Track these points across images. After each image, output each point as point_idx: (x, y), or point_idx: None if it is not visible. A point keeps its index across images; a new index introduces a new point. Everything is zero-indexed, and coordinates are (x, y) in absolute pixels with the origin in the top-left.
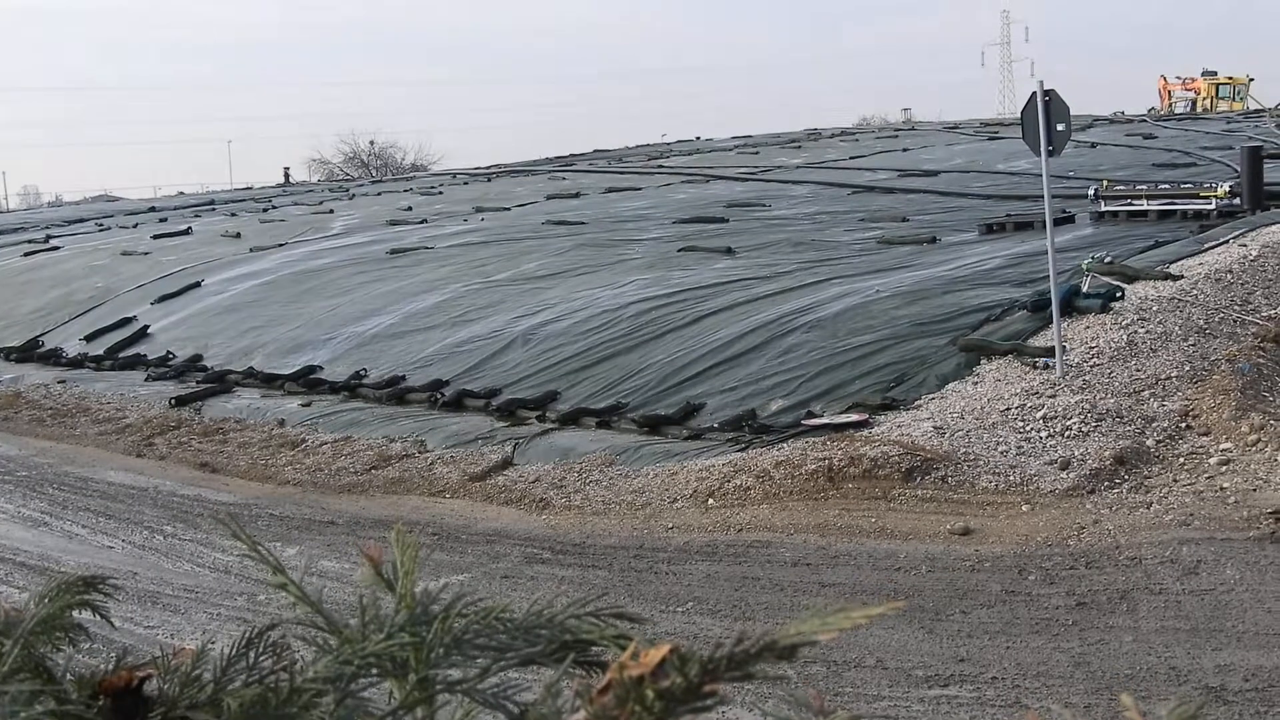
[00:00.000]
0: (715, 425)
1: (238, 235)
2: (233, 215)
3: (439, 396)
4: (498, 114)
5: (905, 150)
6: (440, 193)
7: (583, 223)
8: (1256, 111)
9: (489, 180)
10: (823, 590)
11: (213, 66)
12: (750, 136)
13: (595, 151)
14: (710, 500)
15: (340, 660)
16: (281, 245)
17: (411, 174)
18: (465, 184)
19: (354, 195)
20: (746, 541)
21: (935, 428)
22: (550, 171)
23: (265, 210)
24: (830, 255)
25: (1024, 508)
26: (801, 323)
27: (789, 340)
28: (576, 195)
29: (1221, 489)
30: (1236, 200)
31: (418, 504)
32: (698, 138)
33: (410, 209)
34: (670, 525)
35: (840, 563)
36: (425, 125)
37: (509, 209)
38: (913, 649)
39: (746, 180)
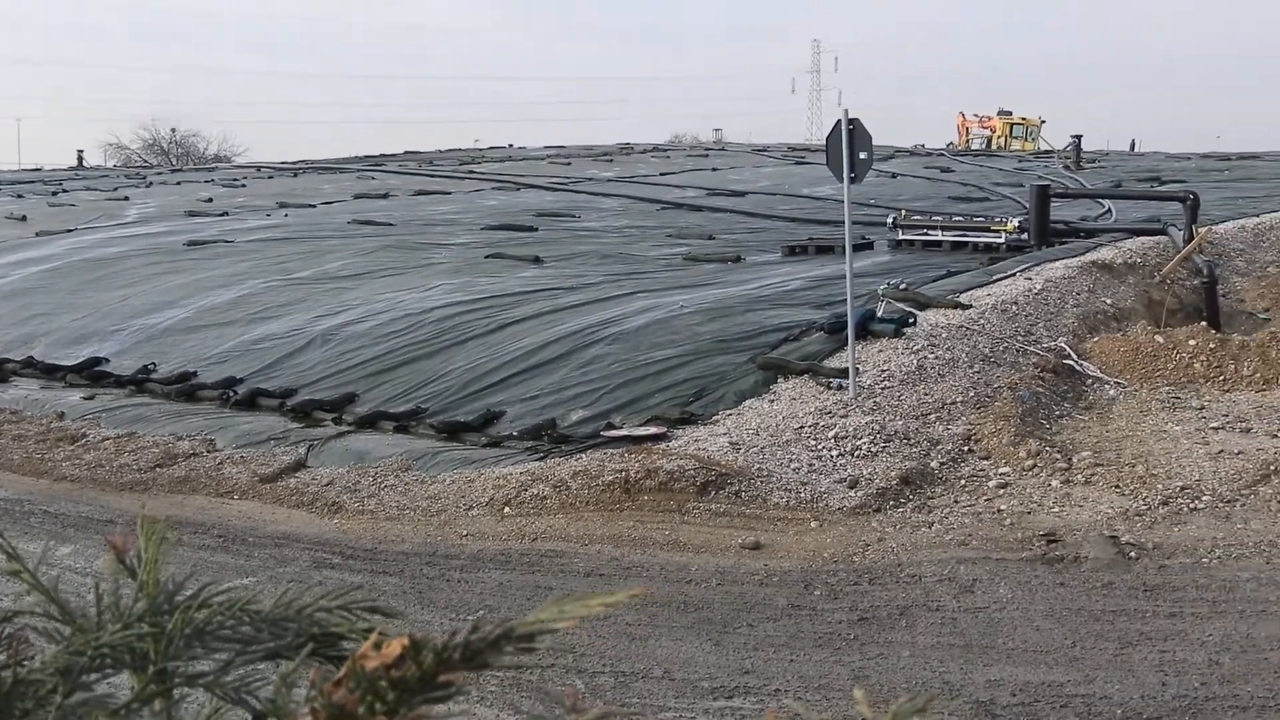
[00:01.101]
0: (515, 433)
1: (23, 218)
2: (19, 197)
3: (231, 394)
4: (309, 109)
5: (715, 170)
6: (243, 185)
7: (390, 224)
8: (1046, 152)
9: (295, 176)
10: None
11: (7, 39)
12: (563, 147)
13: (407, 153)
14: (506, 509)
15: (71, 651)
16: (71, 231)
17: (214, 165)
18: (270, 178)
19: (151, 183)
20: (541, 551)
21: (731, 443)
22: (359, 171)
23: (55, 194)
24: (637, 269)
25: (813, 524)
26: (605, 334)
27: (592, 351)
28: (385, 196)
29: (999, 511)
30: (1024, 235)
31: (204, 504)
32: (511, 145)
33: (211, 200)
34: (465, 533)
35: (633, 574)
36: (231, 115)
37: (314, 206)
38: (700, 661)
39: (558, 190)
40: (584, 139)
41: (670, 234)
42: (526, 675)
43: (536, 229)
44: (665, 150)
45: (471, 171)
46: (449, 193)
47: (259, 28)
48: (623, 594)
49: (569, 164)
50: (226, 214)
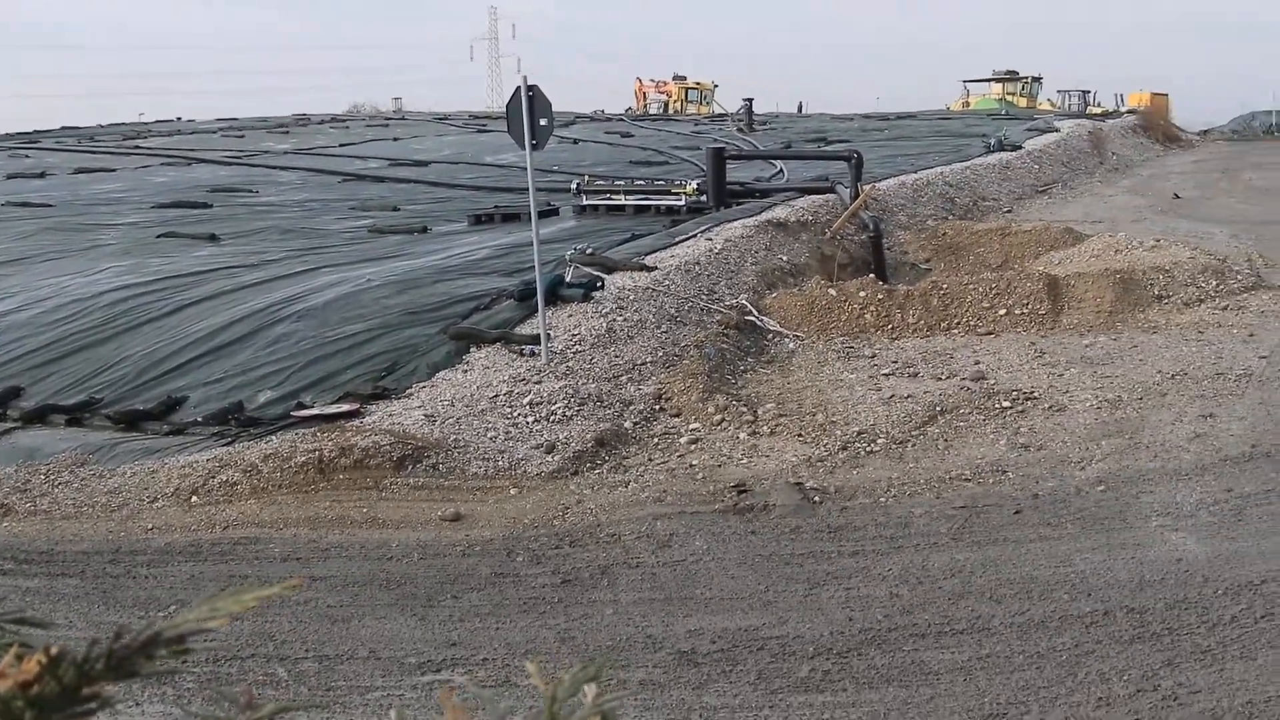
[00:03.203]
0: (199, 419)
1: None
2: None
3: None
4: None
5: (396, 139)
6: None
7: (49, 205)
8: (720, 115)
9: None
10: (314, 584)
11: None
12: (236, 119)
13: (64, 129)
14: (194, 498)
15: None
16: None
17: None
18: None
19: None
20: (233, 539)
21: (427, 416)
22: (11, 149)
23: None
24: (320, 243)
25: (512, 491)
26: (291, 312)
27: (278, 330)
28: (42, 175)
29: (691, 466)
30: (704, 197)
31: None
32: (179, 119)
33: None
34: (150, 526)
35: (331, 555)
36: None
37: None
38: (405, 637)
39: (232, 164)
40: (258, 111)
41: (353, 206)
42: (225, 668)
43: (211, 205)
44: (344, 121)
45: (137, 147)
46: (113, 170)
47: None
48: (279, 586)
49: (243, 137)
50: None
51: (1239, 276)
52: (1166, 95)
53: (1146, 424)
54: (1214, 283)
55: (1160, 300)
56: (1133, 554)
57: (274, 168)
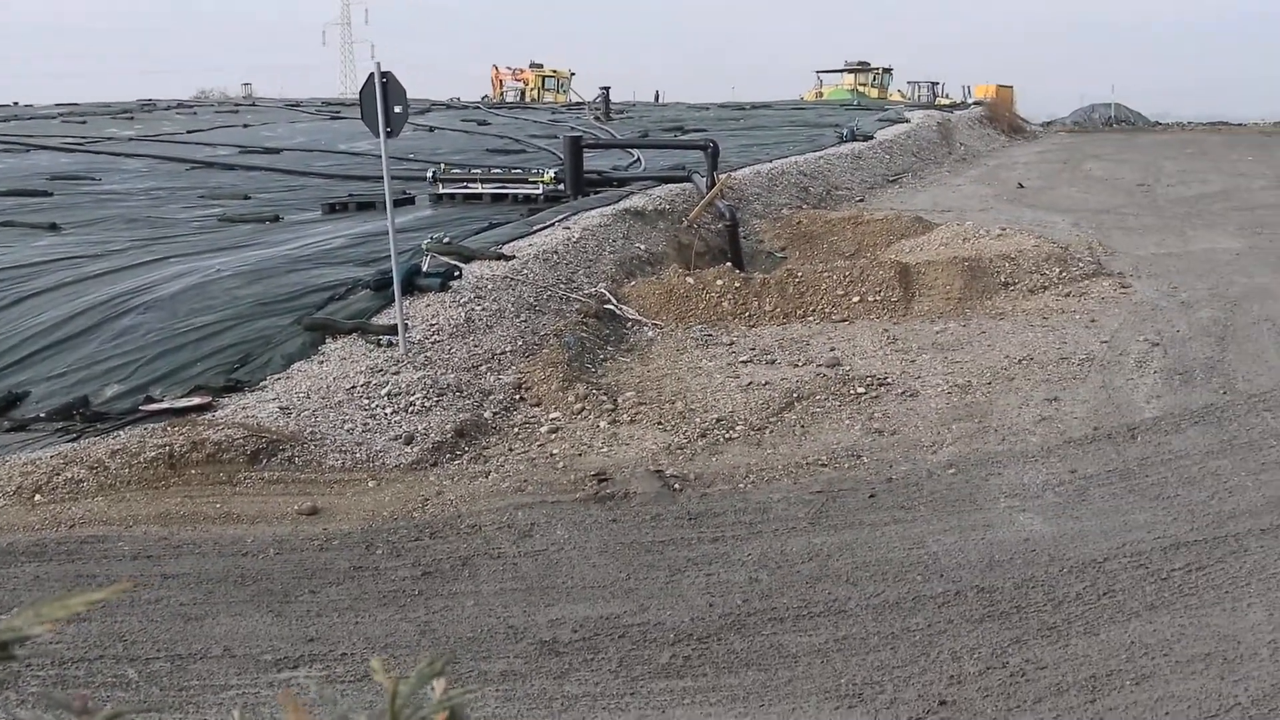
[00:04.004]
0: (43, 415)
1: None
2: None
3: None
4: None
5: (247, 126)
6: None
7: None
8: (578, 104)
9: None
10: (165, 582)
11: None
12: (77, 105)
13: None
14: (37, 496)
15: None
16: None
17: None
18: None
19: None
20: (80, 537)
21: (281, 408)
22: None
23: None
24: (168, 233)
25: (371, 484)
26: (138, 303)
27: (124, 322)
28: None
29: (552, 455)
30: (561, 186)
31: None
32: (16, 103)
33: None
34: None
35: (184, 552)
36: None
37: None
38: (261, 634)
39: (74, 151)
40: (100, 95)
41: (203, 195)
42: (72, 671)
43: (51, 193)
44: (192, 107)
45: None
46: None
47: None
48: (106, 590)
49: (84, 123)
50: None
51: (1081, 264)
52: (1011, 88)
53: (995, 408)
54: (1057, 270)
55: (1007, 287)
56: (983, 535)
57: (118, 155)
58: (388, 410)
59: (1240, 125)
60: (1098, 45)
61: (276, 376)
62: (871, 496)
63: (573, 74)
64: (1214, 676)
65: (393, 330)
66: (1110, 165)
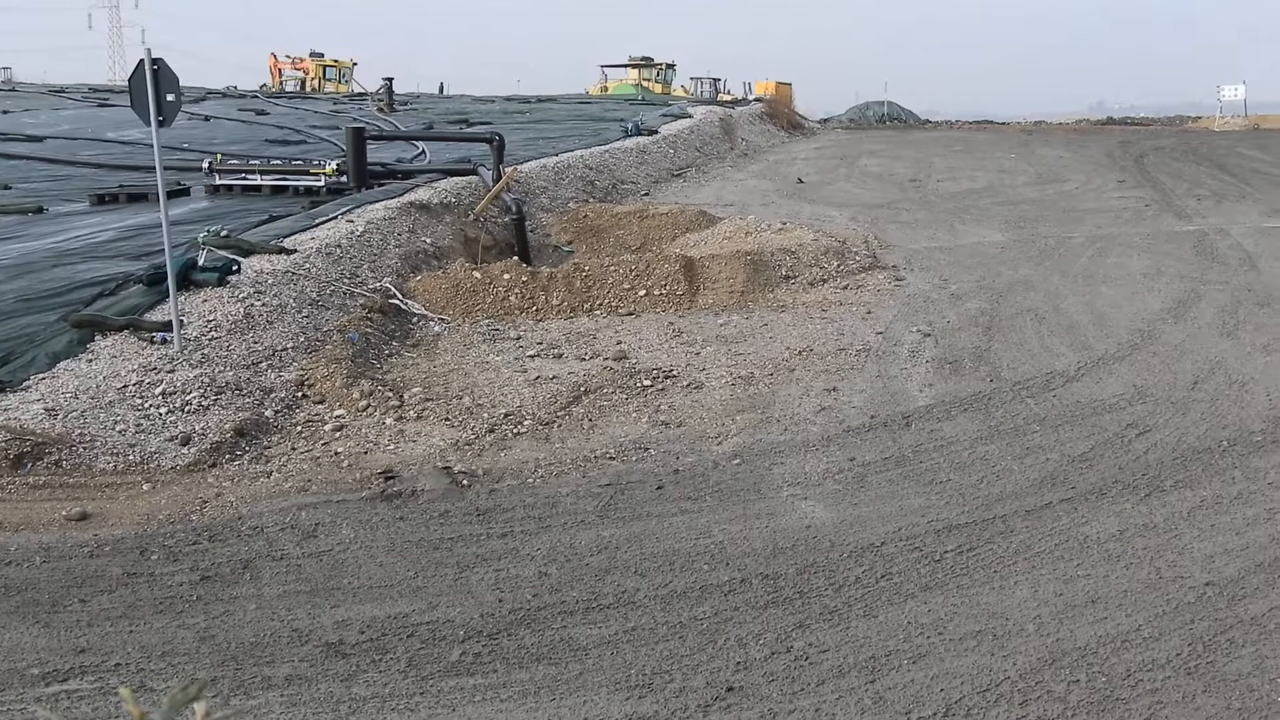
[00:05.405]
0: None
1: None
2: None
3: None
4: None
5: (6, 113)
6: None
7: None
8: (360, 94)
9: None
10: None
11: None
12: None
13: None
14: None
15: None
16: None
17: None
18: None
19: None
20: None
21: (47, 409)
22: None
23: None
24: None
25: (145, 486)
26: None
27: None
28: None
29: (337, 453)
30: (344, 178)
31: None
32: None
33: None
34: None
35: None
36: None
37: None
38: (28, 646)
39: None
40: None
41: None
42: None
43: None
44: None
45: None
46: None
47: None
48: None
49: None
50: None
51: (857, 257)
52: (790, 84)
53: (777, 399)
54: (835, 263)
55: (788, 280)
56: (767, 523)
57: None
58: (163, 410)
59: (1004, 124)
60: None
61: (41, 376)
62: (659, 488)
63: (355, 64)
64: (985, 653)
65: (167, 327)
66: (885, 161)
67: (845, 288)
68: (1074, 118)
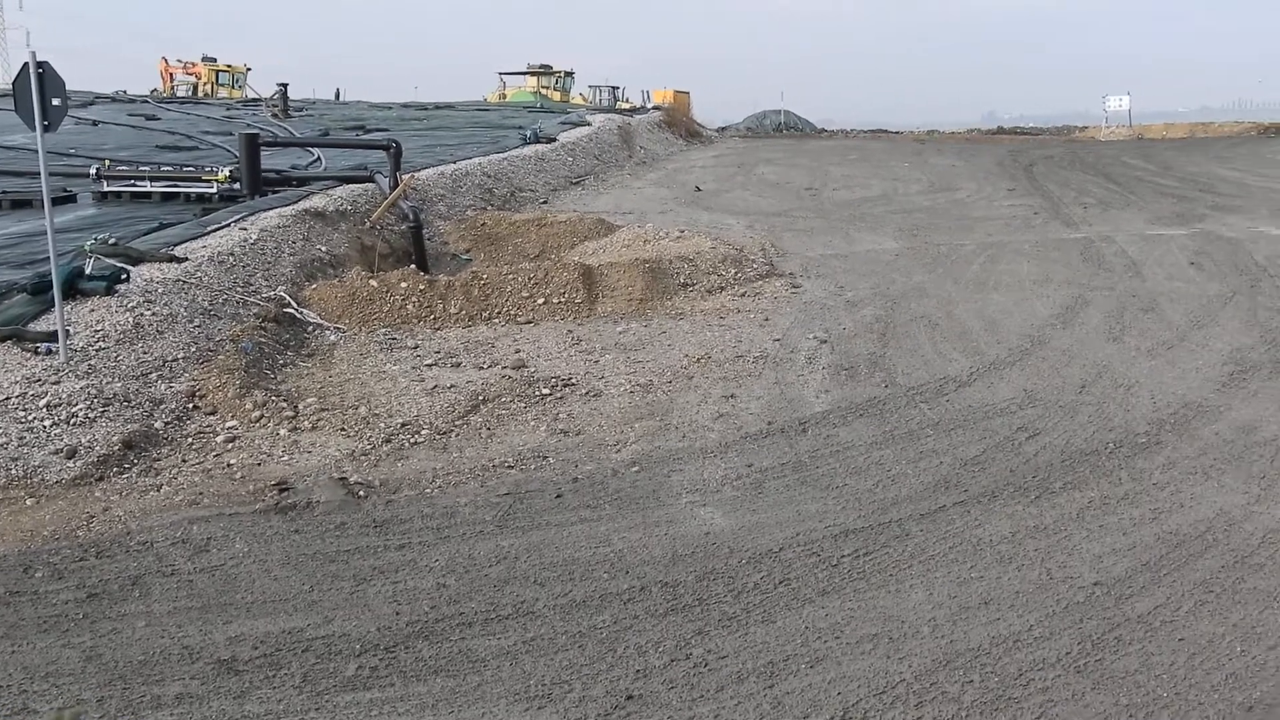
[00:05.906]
0: None
1: None
2: None
3: None
4: None
5: None
6: None
7: None
8: (254, 100)
9: None
10: None
11: None
12: None
13: None
14: None
15: None
16: None
17: None
18: None
19: None
20: None
21: None
22: None
23: None
24: None
25: (29, 502)
26: None
27: None
28: None
29: (229, 465)
30: (237, 185)
31: None
32: None
33: None
34: None
35: None
36: None
37: None
38: None
39: None
40: None
41: None
42: None
43: None
44: None
45: None
46: None
47: None
48: None
49: None
50: None
51: (755, 265)
52: (688, 93)
53: (675, 406)
54: (733, 271)
55: (686, 288)
56: (666, 530)
57: None
58: (47, 422)
59: (899, 133)
60: (769, 54)
61: None
62: (558, 497)
63: (248, 69)
64: (881, 655)
65: (52, 337)
66: (781, 170)
67: (743, 295)
68: (966, 127)
